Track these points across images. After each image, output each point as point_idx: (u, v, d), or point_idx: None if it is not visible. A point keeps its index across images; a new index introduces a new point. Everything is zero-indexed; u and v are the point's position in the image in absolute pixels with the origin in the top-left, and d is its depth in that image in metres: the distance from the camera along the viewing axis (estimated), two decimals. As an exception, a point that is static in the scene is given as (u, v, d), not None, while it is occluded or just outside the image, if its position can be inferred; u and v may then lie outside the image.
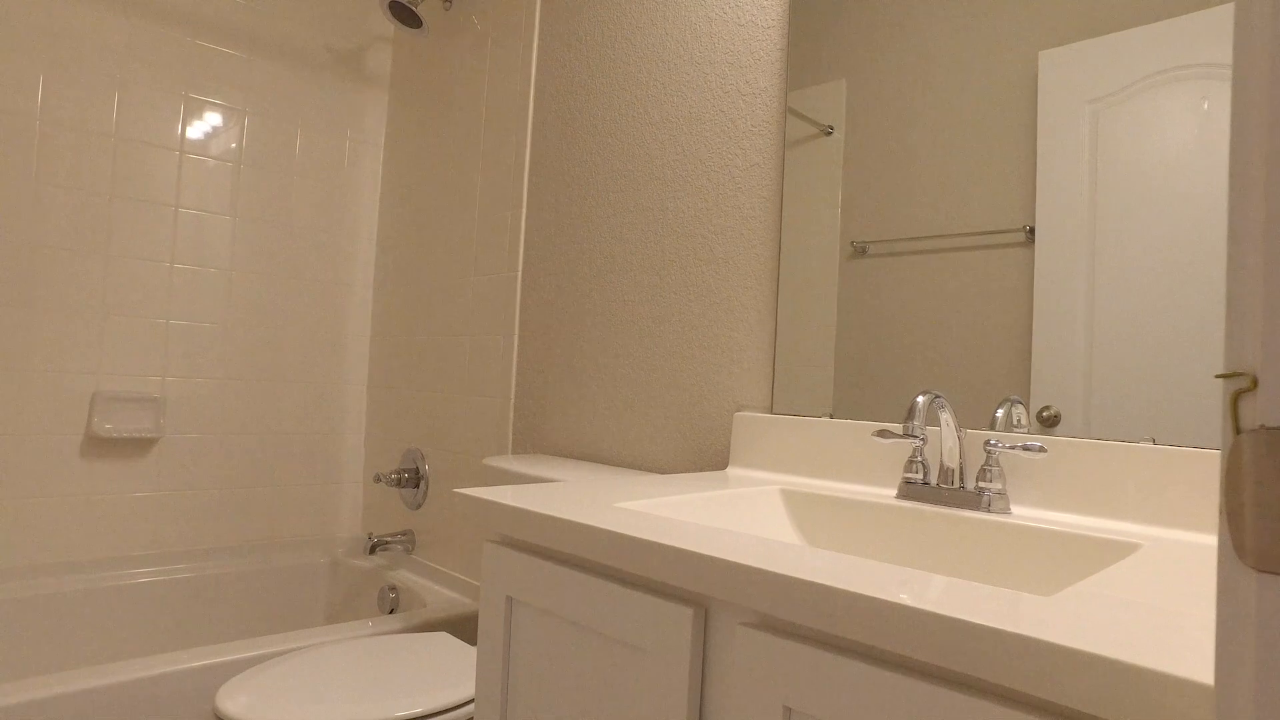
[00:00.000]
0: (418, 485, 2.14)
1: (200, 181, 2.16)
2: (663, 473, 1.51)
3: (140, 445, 2.06)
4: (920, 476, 1.06)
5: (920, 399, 0.98)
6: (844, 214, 1.28)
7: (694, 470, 1.47)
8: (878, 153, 1.25)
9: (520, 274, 1.90)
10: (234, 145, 2.22)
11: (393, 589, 2.05)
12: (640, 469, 1.56)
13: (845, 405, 1.25)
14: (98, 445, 2.00)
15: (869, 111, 1.27)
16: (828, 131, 1.32)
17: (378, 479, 2.11)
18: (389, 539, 2.15)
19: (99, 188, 2.01)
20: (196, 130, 2.16)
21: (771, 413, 1.34)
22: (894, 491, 1.13)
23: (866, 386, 1.23)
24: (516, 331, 1.89)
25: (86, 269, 1.98)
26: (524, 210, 1.91)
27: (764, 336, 1.37)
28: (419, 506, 2.15)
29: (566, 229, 1.79)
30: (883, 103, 1.25)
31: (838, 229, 1.29)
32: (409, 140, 2.41)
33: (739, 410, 1.40)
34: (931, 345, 1.17)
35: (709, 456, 1.45)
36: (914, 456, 1.07)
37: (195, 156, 2.15)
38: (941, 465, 1.04)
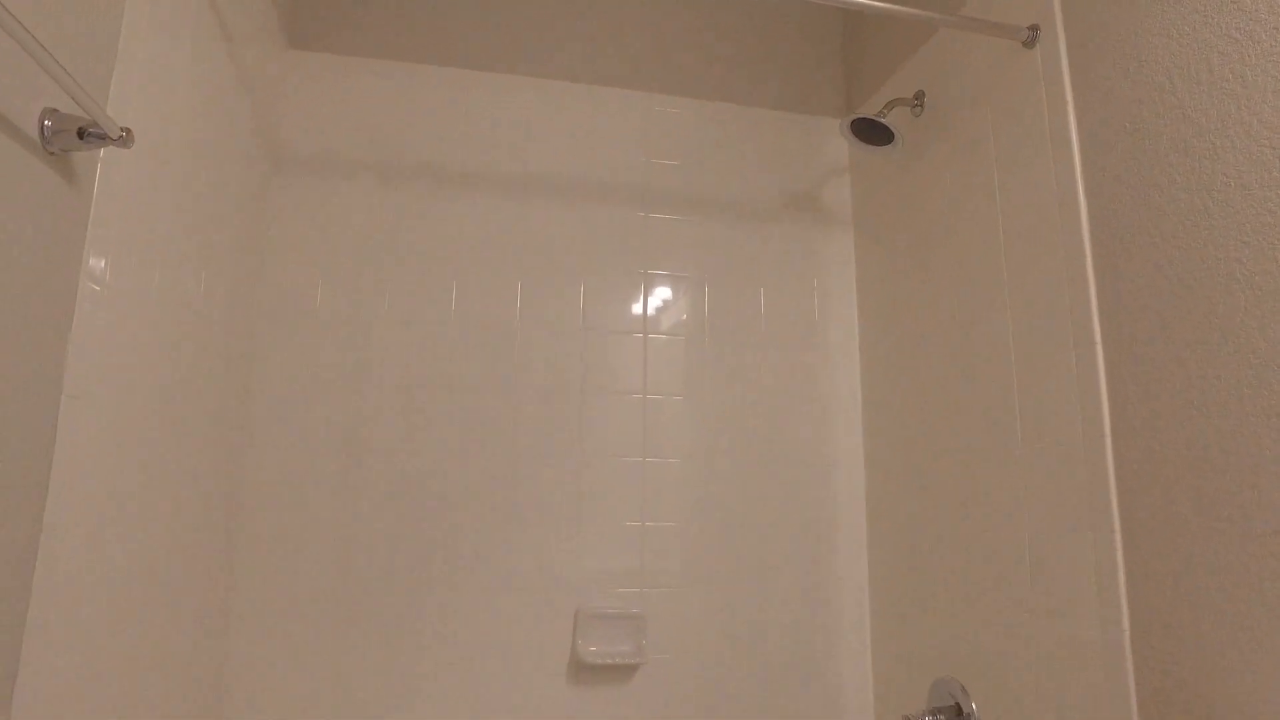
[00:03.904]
0: (961, 731, 1.57)
1: (662, 364, 1.98)
2: None
3: (623, 670, 1.82)
4: None
5: None
6: None
7: None
8: None
9: (1109, 441, 1.30)
10: (693, 320, 2.03)
11: None
12: None
13: None
14: (583, 670, 1.80)
15: None
16: None
17: (907, 721, 1.59)
18: (928, 805, 1.58)
19: (570, 385, 1.92)
20: (655, 310, 2.01)
21: None
22: None
23: None
24: (1116, 526, 1.27)
25: (561, 471, 1.87)
26: (1099, 351, 1.33)
27: None
28: (966, 762, 1.57)
29: (1207, 360, 1.17)
30: None
31: None
32: (889, 285, 2.00)
33: None
34: None
35: None
36: None
37: (657, 336, 1.99)
38: None
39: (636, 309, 2.00)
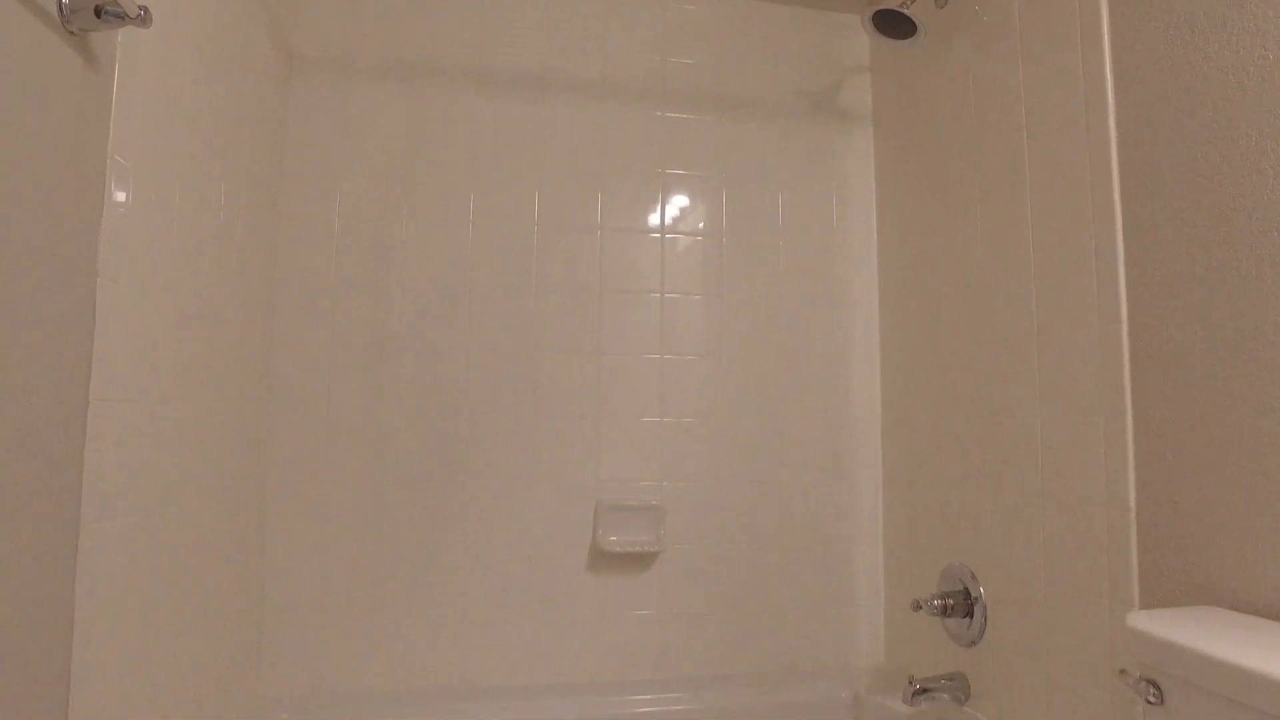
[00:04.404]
0: (970, 614, 1.63)
1: (680, 265, 1.99)
2: None
3: (642, 560, 1.89)
4: None
5: None
6: None
7: None
8: None
9: (1125, 327, 1.31)
10: (711, 221, 2.02)
11: (950, 756, 1.55)
12: None
13: None
14: (603, 560, 1.87)
15: None
16: None
17: (917, 606, 1.65)
18: (933, 684, 1.66)
19: (589, 285, 1.93)
20: (674, 210, 2.01)
21: None
22: None
23: None
24: (1128, 410, 1.29)
25: (581, 369, 1.91)
26: (1119, 237, 1.33)
27: None
28: (973, 643, 1.63)
29: (1218, 235, 1.17)
30: None
31: None
32: (909, 178, 1.98)
33: None
34: None
35: None
36: None
37: (674, 236, 1.99)
38: None
39: (654, 209, 2.00)
